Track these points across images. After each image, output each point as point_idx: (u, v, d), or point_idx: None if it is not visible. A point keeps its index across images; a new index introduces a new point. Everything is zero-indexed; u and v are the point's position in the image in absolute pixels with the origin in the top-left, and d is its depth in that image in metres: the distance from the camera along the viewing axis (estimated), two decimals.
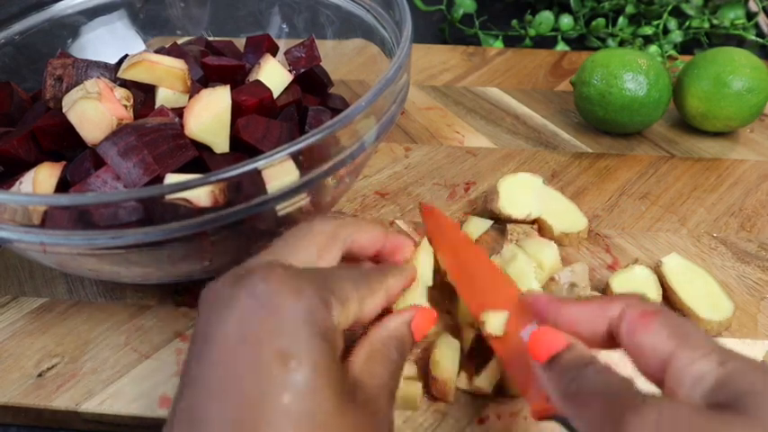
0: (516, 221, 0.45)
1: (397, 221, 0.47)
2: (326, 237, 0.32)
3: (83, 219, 0.32)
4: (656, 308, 0.28)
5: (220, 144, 0.39)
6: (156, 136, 0.36)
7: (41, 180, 0.36)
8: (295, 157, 0.33)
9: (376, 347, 0.31)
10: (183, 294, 0.43)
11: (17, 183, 0.37)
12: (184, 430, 0.26)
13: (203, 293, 0.29)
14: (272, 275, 0.27)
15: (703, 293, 0.40)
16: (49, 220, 0.32)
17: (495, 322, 0.34)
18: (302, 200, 0.35)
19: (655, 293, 0.40)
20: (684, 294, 0.40)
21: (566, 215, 0.46)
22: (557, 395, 0.27)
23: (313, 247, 0.32)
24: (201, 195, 0.31)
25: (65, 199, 0.31)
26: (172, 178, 0.35)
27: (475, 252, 0.40)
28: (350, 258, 0.35)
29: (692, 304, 0.39)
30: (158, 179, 0.36)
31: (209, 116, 0.38)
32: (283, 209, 0.35)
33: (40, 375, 0.38)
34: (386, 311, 0.33)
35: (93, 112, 0.38)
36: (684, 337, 0.26)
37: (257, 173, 0.32)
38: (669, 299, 0.41)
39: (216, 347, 0.26)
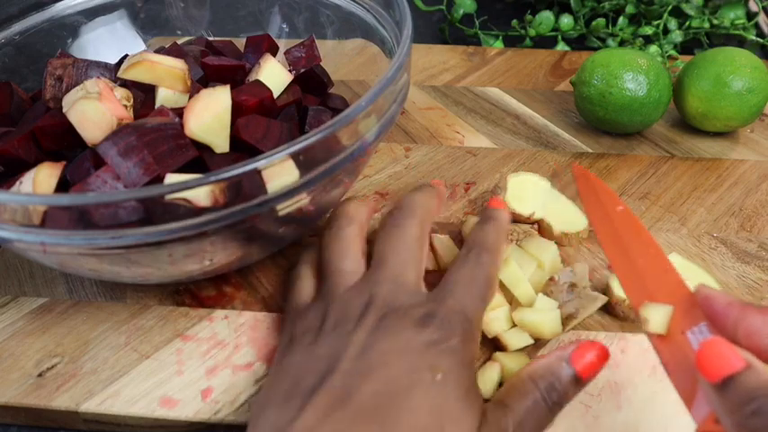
0: (518, 219, 0.45)
1: None
2: (417, 238, 0.37)
3: (83, 219, 0.32)
4: None
5: (220, 144, 0.39)
6: (156, 136, 0.36)
7: (41, 180, 0.36)
8: (295, 157, 0.33)
9: (522, 379, 0.32)
10: (184, 294, 0.43)
11: (17, 183, 0.37)
12: (338, 402, 0.29)
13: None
14: (433, 323, 0.32)
15: None
16: (49, 220, 0.32)
17: (657, 318, 0.30)
18: (302, 200, 0.35)
19: None
20: None
21: (566, 215, 0.45)
22: (731, 425, 0.24)
23: (417, 260, 0.37)
24: (201, 195, 0.31)
25: (65, 199, 0.31)
26: (172, 178, 0.35)
27: (636, 229, 0.35)
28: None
29: None
30: (158, 179, 0.36)
31: (210, 116, 0.38)
32: (283, 209, 0.35)
33: (40, 375, 0.38)
34: None
35: (94, 112, 0.38)
36: None
37: (257, 173, 0.32)
38: None
39: (380, 368, 0.31)
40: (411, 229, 0.37)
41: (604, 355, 0.32)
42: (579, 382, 0.32)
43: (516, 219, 0.45)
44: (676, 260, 0.42)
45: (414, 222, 0.38)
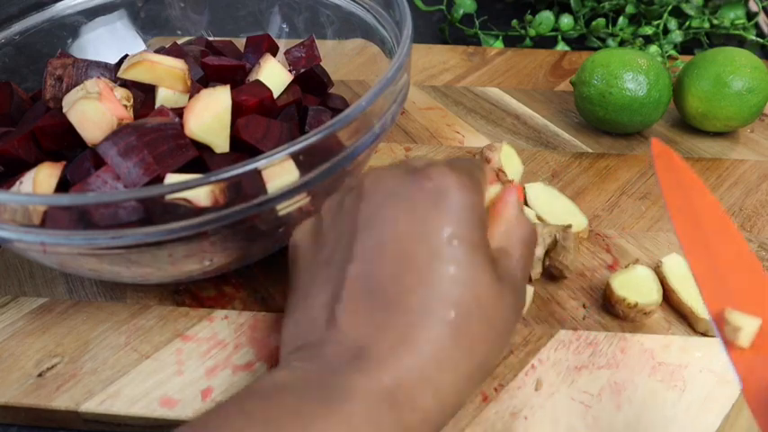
0: (501, 179, 0.48)
1: None
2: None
3: (83, 219, 0.32)
4: None
5: (220, 144, 0.39)
6: (156, 136, 0.36)
7: (41, 180, 0.36)
8: (295, 157, 0.33)
9: (512, 222, 0.33)
10: (184, 294, 0.43)
11: (17, 183, 0.37)
12: (362, 293, 0.29)
13: (368, 182, 0.32)
14: (438, 175, 0.31)
15: None
16: (49, 220, 0.32)
17: (746, 329, 0.27)
18: (302, 200, 0.35)
19: (655, 293, 0.40)
20: (685, 294, 0.40)
21: (566, 215, 0.45)
22: None
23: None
24: (201, 195, 0.31)
25: (65, 199, 0.31)
26: (172, 178, 0.35)
27: (723, 224, 0.31)
28: None
29: (692, 304, 0.39)
30: (158, 179, 0.36)
31: (210, 116, 0.38)
32: (283, 209, 0.35)
33: (40, 375, 0.38)
34: None
35: (94, 112, 0.38)
36: None
37: (257, 173, 0.32)
38: (669, 299, 0.41)
39: (388, 226, 0.30)
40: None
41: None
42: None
43: (499, 179, 0.47)
44: (676, 260, 0.42)
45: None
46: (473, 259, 0.29)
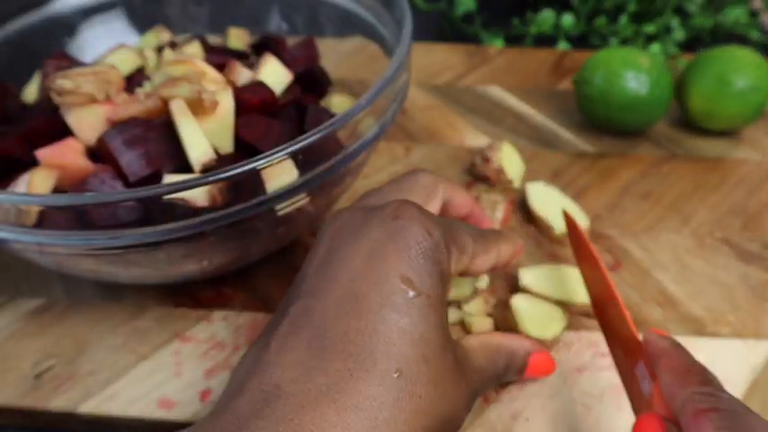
0: (501, 179, 0.48)
1: None
2: (430, 188, 0.34)
3: (81, 219, 0.31)
4: (711, 404, 0.25)
5: (224, 145, 0.38)
6: (162, 132, 0.36)
7: (37, 184, 0.36)
8: (294, 156, 0.32)
9: (491, 344, 0.32)
10: (182, 295, 0.42)
11: (12, 185, 0.37)
12: (300, 328, 0.27)
13: (330, 220, 0.31)
14: (405, 212, 0.29)
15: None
16: (46, 220, 0.32)
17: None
18: (302, 200, 0.35)
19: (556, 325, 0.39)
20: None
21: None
22: None
23: (419, 197, 0.34)
24: (200, 195, 0.31)
25: (63, 199, 0.31)
26: (170, 178, 0.35)
27: (600, 274, 0.36)
28: (444, 215, 0.36)
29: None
30: (158, 176, 0.35)
31: (213, 118, 0.38)
32: (283, 209, 0.35)
33: (37, 377, 0.38)
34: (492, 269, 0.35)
35: (90, 114, 0.37)
36: None
37: (256, 173, 0.32)
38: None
39: (342, 264, 0.28)
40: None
41: (550, 370, 0.35)
42: (520, 374, 0.34)
43: (500, 179, 0.48)
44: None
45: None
46: (429, 317, 0.27)
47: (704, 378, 0.27)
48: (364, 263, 0.28)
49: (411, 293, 0.27)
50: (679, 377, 0.27)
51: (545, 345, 0.38)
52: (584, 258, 0.38)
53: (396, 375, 0.25)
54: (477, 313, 0.39)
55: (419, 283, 0.27)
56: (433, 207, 0.35)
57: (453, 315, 0.39)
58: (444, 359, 0.27)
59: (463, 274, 0.32)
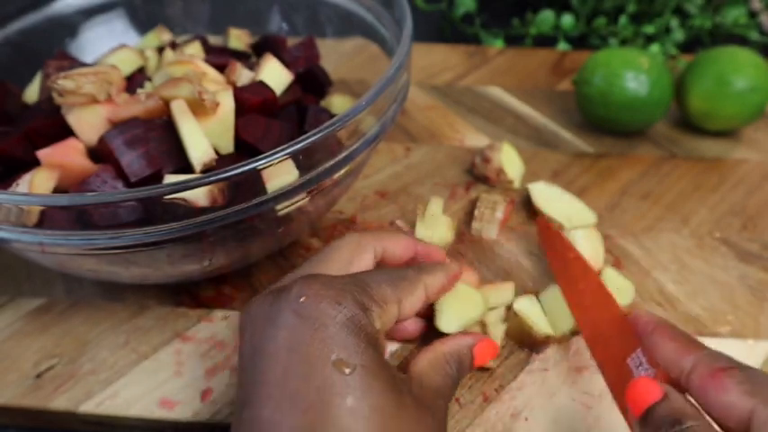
0: (502, 180, 0.49)
1: (397, 222, 0.47)
2: (355, 245, 0.34)
3: (82, 218, 0.31)
4: (727, 363, 0.26)
5: (225, 146, 0.38)
6: (163, 132, 0.36)
7: (38, 184, 0.36)
8: (295, 157, 0.32)
9: (438, 359, 0.32)
10: (183, 294, 0.42)
11: (14, 185, 0.37)
12: None
13: (245, 311, 0.30)
14: (309, 289, 0.29)
15: None
16: (47, 220, 0.32)
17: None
18: (302, 200, 0.35)
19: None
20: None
21: (572, 211, 0.46)
22: None
23: (344, 257, 0.33)
24: (200, 195, 0.31)
25: (64, 199, 0.31)
26: (171, 178, 0.35)
27: (582, 266, 0.38)
28: (385, 266, 0.36)
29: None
30: (158, 176, 0.36)
31: (214, 118, 0.38)
32: (283, 209, 0.35)
33: (38, 376, 0.38)
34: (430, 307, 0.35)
35: (91, 114, 0.38)
36: (763, 392, 0.25)
37: (257, 173, 0.32)
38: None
39: (268, 362, 0.27)
40: None
41: (495, 351, 0.35)
42: (471, 369, 0.34)
43: (500, 180, 0.48)
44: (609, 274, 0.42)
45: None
46: (371, 385, 0.26)
47: (704, 346, 0.28)
48: (288, 356, 0.27)
49: (346, 370, 0.26)
50: (682, 344, 0.28)
51: (564, 337, 0.38)
52: (560, 268, 0.39)
53: None
54: (495, 323, 0.39)
55: (349, 359, 0.27)
56: (364, 262, 0.34)
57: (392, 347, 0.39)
58: (403, 410, 0.27)
59: (400, 320, 0.32)
